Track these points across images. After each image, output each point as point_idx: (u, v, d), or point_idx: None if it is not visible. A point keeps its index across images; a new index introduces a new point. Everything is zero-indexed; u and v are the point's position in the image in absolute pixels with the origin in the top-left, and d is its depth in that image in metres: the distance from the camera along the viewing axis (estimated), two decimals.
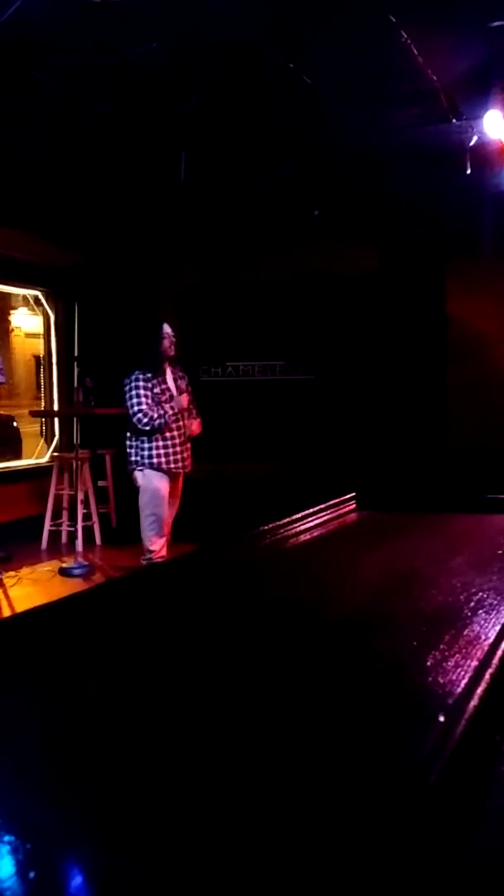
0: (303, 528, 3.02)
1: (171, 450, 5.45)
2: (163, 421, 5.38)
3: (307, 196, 6.72)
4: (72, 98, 4.80)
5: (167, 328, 5.61)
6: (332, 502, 3.35)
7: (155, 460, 5.44)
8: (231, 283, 8.40)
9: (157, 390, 5.45)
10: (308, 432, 8.09)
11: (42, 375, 8.83)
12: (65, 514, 7.54)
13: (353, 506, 3.48)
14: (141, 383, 5.40)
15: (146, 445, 5.44)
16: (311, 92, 4.57)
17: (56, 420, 8.61)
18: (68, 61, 4.29)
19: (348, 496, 3.49)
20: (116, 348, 7.25)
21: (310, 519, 3.10)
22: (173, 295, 8.47)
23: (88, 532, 7.35)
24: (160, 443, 5.43)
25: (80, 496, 7.16)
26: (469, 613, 1.88)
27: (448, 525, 3.24)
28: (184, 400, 5.56)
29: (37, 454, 8.54)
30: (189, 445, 5.63)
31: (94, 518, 7.50)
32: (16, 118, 5.13)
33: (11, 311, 9.12)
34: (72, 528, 7.30)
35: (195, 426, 5.66)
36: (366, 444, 7.73)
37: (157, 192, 6.54)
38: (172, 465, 5.48)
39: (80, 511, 7.10)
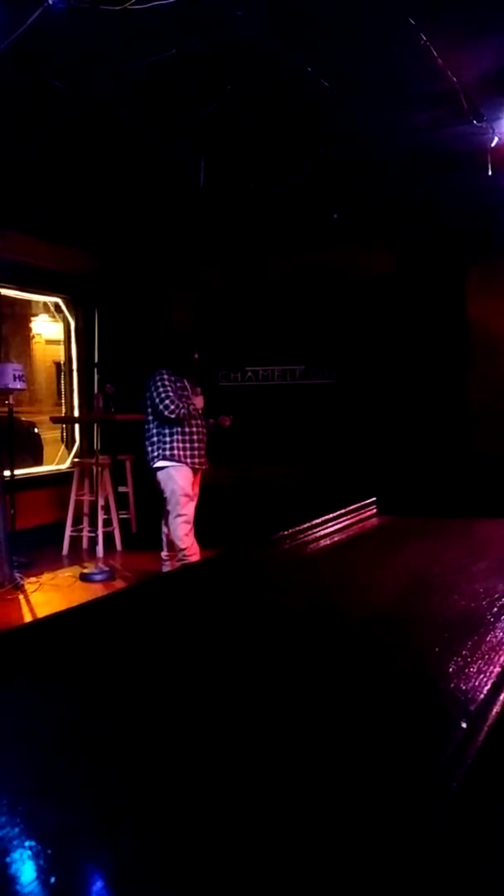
0: (323, 532, 3.01)
1: (188, 444, 5.71)
2: (186, 412, 5.67)
3: (326, 200, 6.72)
4: (90, 105, 4.82)
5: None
6: (352, 507, 3.34)
7: (176, 452, 5.68)
8: (250, 288, 8.40)
9: (178, 384, 5.75)
10: (328, 437, 8.07)
11: (62, 382, 8.88)
12: (85, 519, 7.57)
13: (374, 510, 3.47)
14: (165, 377, 5.71)
15: (167, 440, 5.69)
16: (329, 95, 4.56)
17: (77, 426, 8.65)
18: (87, 69, 4.31)
19: (369, 501, 3.48)
20: (138, 354, 7.29)
21: (330, 524, 3.09)
22: (192, 300, 8.49)
23: (109, 538, 7.38)
24: (179, 437, 5.69)
25: (101, 502, 7.19)
26: (492, 619, 1.87)
27: (470, 530, 3.22)
28: (199, 401, 5.83)
29: (58, 460, 8.59)
30: (205, 445, 5.85)
31: (115, 524, 7.52)
32: (35, 126, 5.17)
33: (32, 319, 9.18)
34: (92, 534, 7.33)
35: (227, 420, 6.02)
36: (386, 448, 7.70)
37: (176, 198, 6.57)
38: (189, 460, 5.71)
39: (101, 517, 7.13)
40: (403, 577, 2.45)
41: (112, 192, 6.58)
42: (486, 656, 1.57)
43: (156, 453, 5.73)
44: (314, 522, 3.02)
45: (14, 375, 6.52)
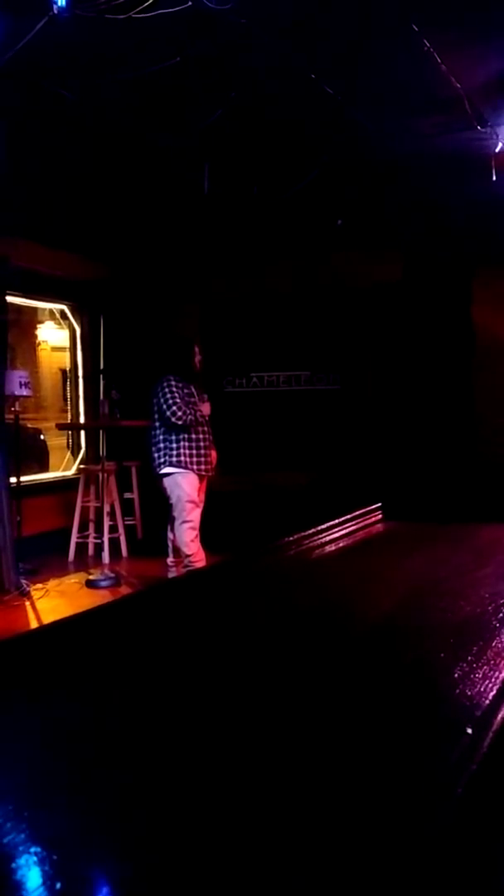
0: (329, 538, 3.01)
1: (194, 451, 5.72)
2: (193, 418, 5.68)
3: (331, 206, 6.72)
4: (95, 113, 4.84)
5: (196, 348, 5.96)
6: (357, 513, 3.34)
7: (183, 459, 5.69)
8: (255, 294, 8.41)
9: (185, 391, 5.76)
10: (334, 442, 8.07)
11: (68, 388, 8.89)
12: (91, 526, 7.57)
13: (379, 516, 3.46)
14: (173, 384, 5.72)
15: (174, 446, 5.70)
16: (334, 102, 4.57)
17: (82, 433, 8.66)
18: (92, 77, 4.33)
19: (374, 506, 3.48)
20: (143, 360, 7.30)
21: (335, 530, 3.09)
22: (198, 306, 8.50)
23: (115, 544, 7.38)
24: (186, 443, 5.70)
25: (107, 508, 7.19)
26: (497, 625, 1.86)
27: (475, 535, 3.21)
28: (206, 408, 5.84)
29: (63, 467, 8.59)
30: (213, 451, 5.85)
31: (121, 530, 7.52)
32: (41, 134, 5.19)
33: (38, 326, 9.19)
34: (98, 540, 7.33)
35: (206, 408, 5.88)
36: (392, 453, 7.69)
37: (181, 205, 6.58)
38: (196, 467, 5.71)
39: (107, 523, 7.13)
40: (409, 582, 2.44)
41: (117, 199, 6.59)
42: (492, 662, 1.57)
43: (162, 459, 5.74)
44: (319, 528, 3.02)
45: (20, 382, 6.54)
